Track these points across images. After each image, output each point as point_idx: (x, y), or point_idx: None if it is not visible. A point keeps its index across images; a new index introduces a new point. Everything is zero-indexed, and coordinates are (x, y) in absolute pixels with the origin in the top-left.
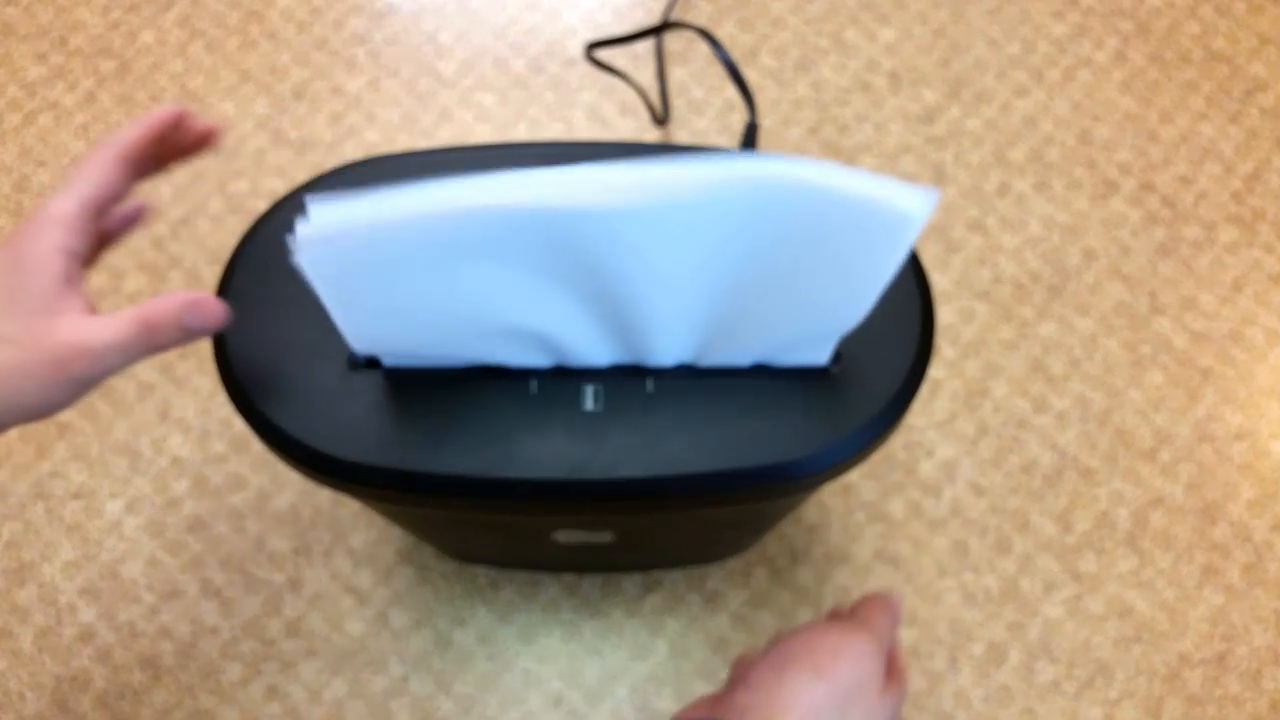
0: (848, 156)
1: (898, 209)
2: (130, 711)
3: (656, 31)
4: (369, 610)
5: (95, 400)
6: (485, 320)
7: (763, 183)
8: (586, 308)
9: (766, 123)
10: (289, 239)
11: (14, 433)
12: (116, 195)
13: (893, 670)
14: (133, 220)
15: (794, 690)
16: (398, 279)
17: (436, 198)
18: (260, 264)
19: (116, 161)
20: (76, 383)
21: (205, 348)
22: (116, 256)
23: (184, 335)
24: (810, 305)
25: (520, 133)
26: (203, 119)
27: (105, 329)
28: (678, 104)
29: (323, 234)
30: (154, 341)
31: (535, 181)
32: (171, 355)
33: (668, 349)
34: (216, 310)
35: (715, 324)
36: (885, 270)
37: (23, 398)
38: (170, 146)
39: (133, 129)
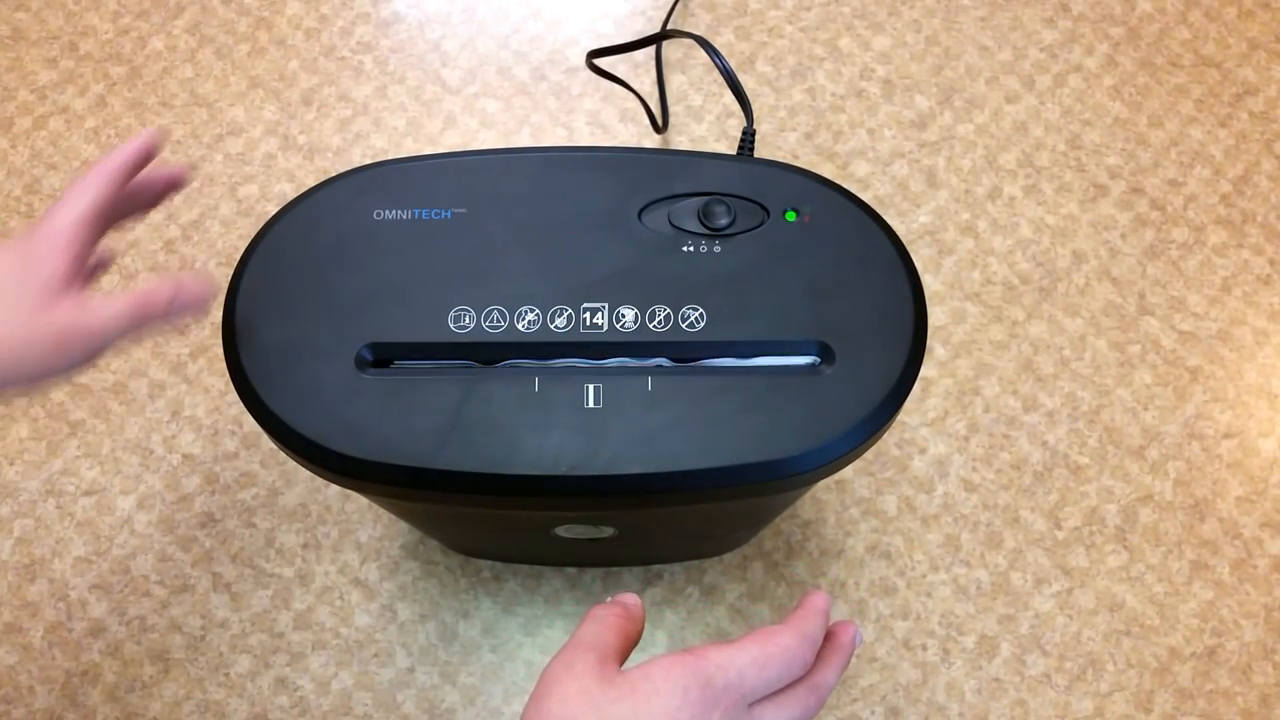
0: (842, 162)
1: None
2: (140, 705)
3: (656, 40)
4: (376, 604)
5: (107, 399)
6: None
7: None
8: None
9: (763, 129)
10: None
11: (25, 430)
12: (112, 205)
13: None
14: (173, 182)
15: None
16: None
17: None
18: (270, 266)
19: (114, 174)
20: (74, 359)
21: (216, 347)
22: (128, 258)
23: (174, 316)
24: None
25: (523, 138)
26: (172, 163)
27: (101, 311)
28: (676, 110)
29: None
30: (147, 322)
31: None
32: (183, 354)
33: None
34: (202, 292)
35: None
36: None
37: (24, 368)
38: (145, 186)
39: (123, 148)
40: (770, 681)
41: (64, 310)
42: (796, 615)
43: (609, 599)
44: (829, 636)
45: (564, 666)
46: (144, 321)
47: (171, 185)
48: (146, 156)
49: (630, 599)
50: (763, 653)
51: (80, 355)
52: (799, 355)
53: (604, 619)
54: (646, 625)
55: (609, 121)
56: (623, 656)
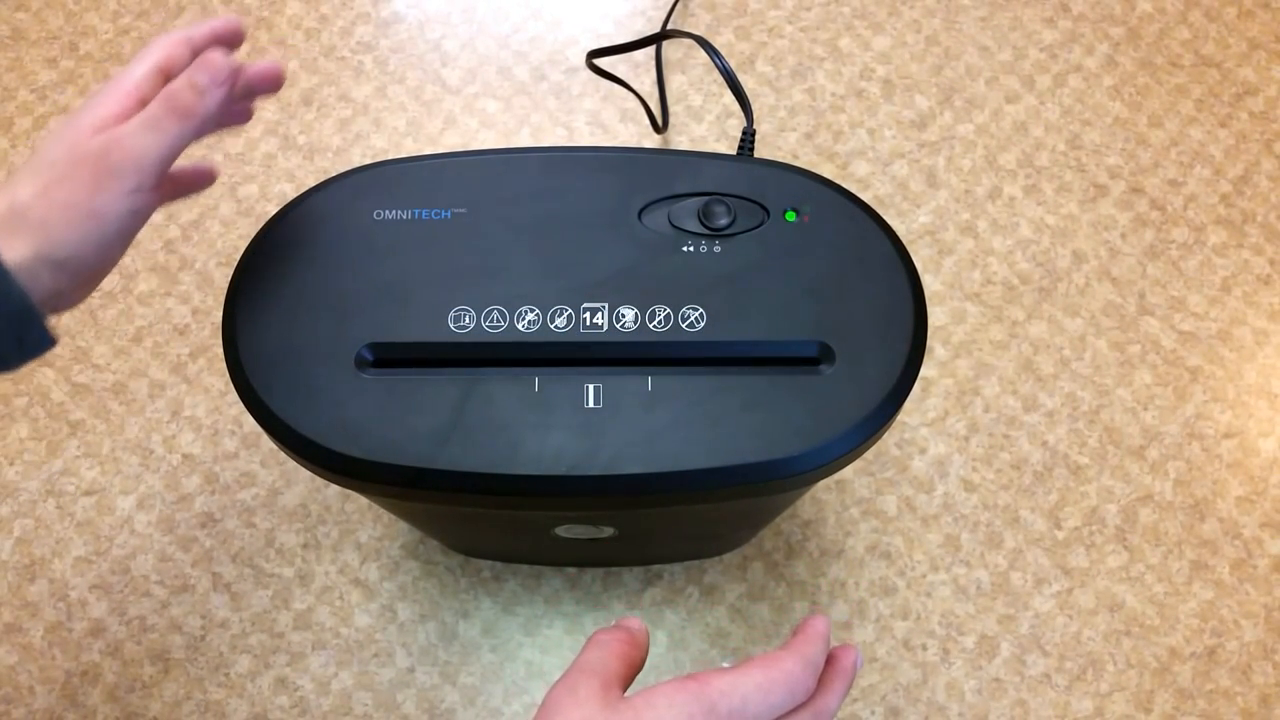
0: (842, 162)
1: None
2: (140, 705)
3: (656, 40)
4: (376, 603)
5: (107, 399)
6: None
7: None
8: None
9: (763, 129)
10: None
11: (25, 430)
12: (179, 66)
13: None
14: (270, 77)
15: None
16: None
17: None
18: (270, 266)
19: (184, 41)
20: (119, 185)
21: (216, 347)
22: (128, 258)
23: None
24: None
25: (523, 139)
26: (262, 61)
27: (134, 119)
28: (676, 111)
29: None
30: (178, 108)
31: None
32: (183, 354)
33: None
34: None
35: None
36: None
37: (71, 214)
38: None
39: (199, 23)
40: (774, 707)
41: (97, 138)
42: (798, 640)
43: (613, 623)
44: (830, 661)
45: (567, 692)
46: (175, 113)
47: (268, 80)
48: (224, 36)
49: (634, 623)
50: (766, 678)
51: (121, 177)
52: (799, 355)
53: (607, 644)
54: (646, 625)
55: (609, 121)
56: (626, 683)
